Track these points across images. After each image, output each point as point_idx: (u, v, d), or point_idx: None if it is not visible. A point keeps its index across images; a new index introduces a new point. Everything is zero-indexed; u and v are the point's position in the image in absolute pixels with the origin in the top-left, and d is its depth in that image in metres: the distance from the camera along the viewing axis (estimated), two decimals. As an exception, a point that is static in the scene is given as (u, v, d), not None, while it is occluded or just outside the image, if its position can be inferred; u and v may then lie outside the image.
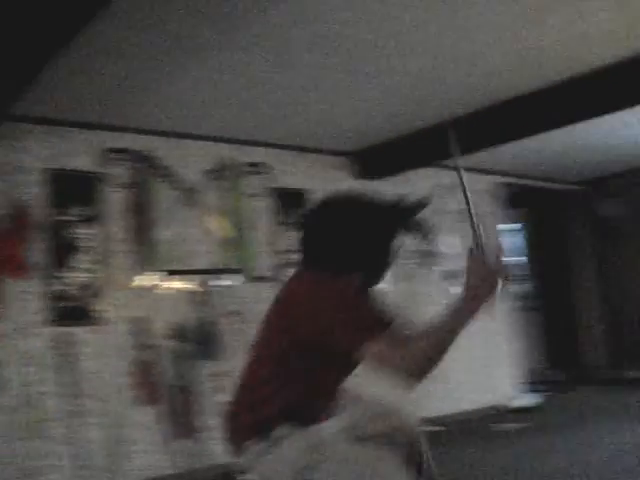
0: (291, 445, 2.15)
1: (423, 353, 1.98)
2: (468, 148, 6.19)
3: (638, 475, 4.24)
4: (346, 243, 2.34)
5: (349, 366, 2.29)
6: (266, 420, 2.21)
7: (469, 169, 7.89)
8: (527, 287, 9.70)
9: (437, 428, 6.38)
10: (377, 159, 6.50)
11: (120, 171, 5.20)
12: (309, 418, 2.22)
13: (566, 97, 5.12)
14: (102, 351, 4.94)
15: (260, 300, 5.75)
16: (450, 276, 7.21)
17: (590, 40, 4.31)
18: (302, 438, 2.16)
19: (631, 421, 6.01)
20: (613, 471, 4.39)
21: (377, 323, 2.11)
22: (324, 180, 6.40)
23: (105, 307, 5.00)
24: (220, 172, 5.72)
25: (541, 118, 5.46)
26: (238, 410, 2.35)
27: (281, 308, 2.39)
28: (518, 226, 9.69)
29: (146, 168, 5.24)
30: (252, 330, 5.80)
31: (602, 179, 8.84)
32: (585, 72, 4.85)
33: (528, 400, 7.44)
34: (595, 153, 7.61)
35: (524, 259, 9.81)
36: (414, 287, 6.91)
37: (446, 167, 7.35)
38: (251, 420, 2.26)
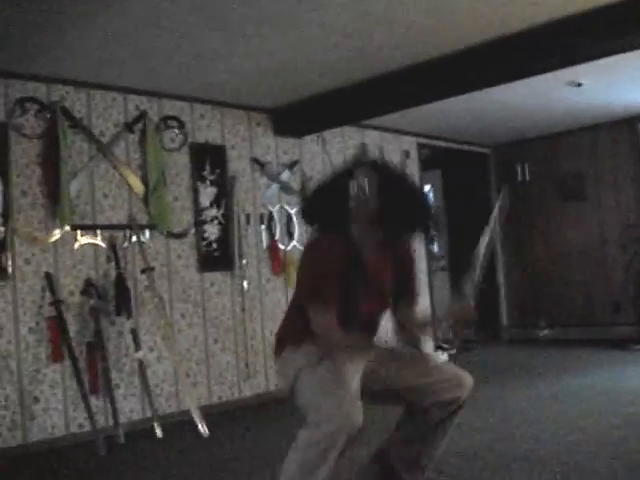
0: (300, 352, 2.82)
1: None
2: (385, 108, 6.26)
3: (536, 426, 4.42)
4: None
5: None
6: (293, 335, 2.89)
7: (386, 129, 7.94)
8: (441, 247, 9.87)
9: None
10: (297, 116, 6.43)
11: (29, 121, 4.98)
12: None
13: (480, 61, 5.13)
14: (10, 307, 4.79)
15: (173, 256, 5.69)
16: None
17: (506, 4, 4.34)
18: (309, 349, 2.80)
19: (533, 377, 6.25)
20: (514, 425, 4.56)
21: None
22: (243, 136, 6.32)
23: (13, 262, 4.82)
24: (136, 125, 5.56)
25: (457, 81, 5.48)
26: (279, 329, 3.07)
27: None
28: (430, 187, 9.83)
29: (57, 119, 5.03)
30: (164, 286, 5.79)
31: (515, 144, 9.03)
32: (501, 36, 4.87)
33: (441, 357, 7.62)
34: (509, 118, 7.75)
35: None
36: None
37: (366, 126, 7.38)
38: (284, 336, 2.97)
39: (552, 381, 6.01)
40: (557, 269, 8.73)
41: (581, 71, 5.72)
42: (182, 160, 5.86)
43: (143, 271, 5.34)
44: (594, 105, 7.35)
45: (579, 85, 6.39)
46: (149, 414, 5.23)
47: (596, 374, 6.22)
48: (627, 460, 3.61)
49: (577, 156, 8.54)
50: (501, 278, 9.31)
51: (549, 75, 5.58)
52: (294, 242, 6.48)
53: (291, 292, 6.35)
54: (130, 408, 5.29)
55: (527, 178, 8.98)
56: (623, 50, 4.90)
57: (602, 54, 4.98)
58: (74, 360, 4.86)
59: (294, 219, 6.52)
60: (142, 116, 5.57)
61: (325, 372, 2.70)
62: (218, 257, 6.01)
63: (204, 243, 5.92)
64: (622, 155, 8.23)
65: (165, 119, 5.74)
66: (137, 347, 5.22)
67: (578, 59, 5.09)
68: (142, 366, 5.27)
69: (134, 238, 5.39)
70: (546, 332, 8.54)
